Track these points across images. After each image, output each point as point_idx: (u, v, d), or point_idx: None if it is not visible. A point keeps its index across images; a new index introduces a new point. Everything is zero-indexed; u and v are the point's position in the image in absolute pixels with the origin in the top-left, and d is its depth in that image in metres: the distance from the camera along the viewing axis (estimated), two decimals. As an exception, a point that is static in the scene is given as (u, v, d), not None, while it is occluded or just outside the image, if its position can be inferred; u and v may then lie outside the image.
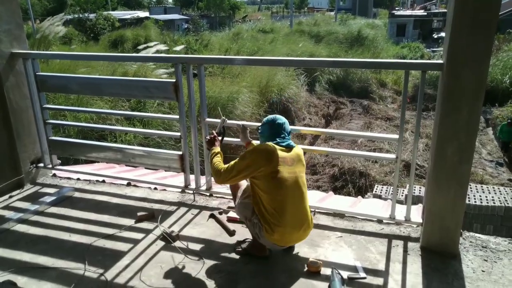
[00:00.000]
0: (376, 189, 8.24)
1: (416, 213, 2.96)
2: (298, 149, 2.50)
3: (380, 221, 3.01)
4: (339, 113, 17.27)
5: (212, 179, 3.49)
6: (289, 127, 2.51)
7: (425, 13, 40.45)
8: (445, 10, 41.68)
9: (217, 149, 2.63)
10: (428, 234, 2.65)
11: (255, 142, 2.85)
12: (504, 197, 6.11)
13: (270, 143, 2.39)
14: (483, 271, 2.46)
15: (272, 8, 63.24)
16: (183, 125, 3.22)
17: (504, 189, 6.67)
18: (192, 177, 3.45)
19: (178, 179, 3.66)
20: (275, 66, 13.11)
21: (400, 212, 2.93)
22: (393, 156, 2.79)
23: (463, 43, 2.22)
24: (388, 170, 11.56)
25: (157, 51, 11.77)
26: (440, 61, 2.43)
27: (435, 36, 35.42)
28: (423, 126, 15.72)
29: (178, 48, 14.26)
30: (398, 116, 16.70)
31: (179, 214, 3.17)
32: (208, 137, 2.75)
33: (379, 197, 7.47)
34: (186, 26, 36.25)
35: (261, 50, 18.16)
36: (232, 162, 2.38)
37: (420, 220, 2.80)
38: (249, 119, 11.33)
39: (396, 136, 2.72)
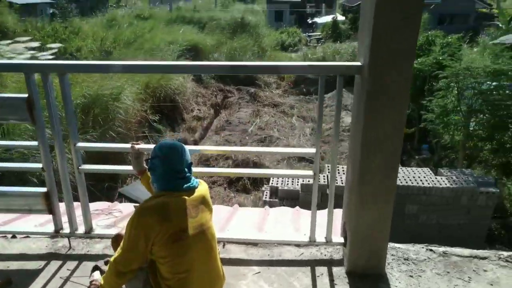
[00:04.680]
0: (272, 180, 8.14)
1: (334, 231, 2.68)
2: (202, 187, 1.93)
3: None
4: (228, 102, 17.08)
5: (93, 217, 2.79)
6: (189, 157, 1.89)
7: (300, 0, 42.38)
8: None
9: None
10: (354, 257, 2.39)
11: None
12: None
13: (157, 199, 1.78)
14: (412, 291, 2.29)
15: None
16: (46, 153, 2.43)
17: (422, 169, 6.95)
18: (66, 217, 2.68)
19: (47, 221, 2.85)
20: (165, 72, 11.41)
21: (320, 232, 2.63)
22: (310, 172, 2.45)
23: (387, 44, 1.94)
24: (280, 158, 11.73)
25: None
26: (358, 63, 2.12)
27: (310, 21, 37.43)
28: (307, 110, 16.36)
29: (54, 45, 12.11)
30: (283, 102, 17.12)
31: (50, 272, 2.41)
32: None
33: (276, 189, 7.39)
34: (51, 11, 32.08)
35: (140, 39, 16.82)
36: (119, 248, 1.77)
37: (341, 240, 2.54)
38: (135, 118, 10.34)
39: (313, 150, 2.38)
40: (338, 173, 6.83)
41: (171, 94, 13.57)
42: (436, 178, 6.45)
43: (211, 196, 2.02)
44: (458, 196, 6.24)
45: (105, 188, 8.35)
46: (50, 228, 2.66)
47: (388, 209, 2.26)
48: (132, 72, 8.47)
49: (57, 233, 2.64)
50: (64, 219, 2.64)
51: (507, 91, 8.15)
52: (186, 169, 1.84)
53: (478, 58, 9.37)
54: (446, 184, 6.27)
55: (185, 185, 1.82)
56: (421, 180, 6.34)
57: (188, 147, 1.95)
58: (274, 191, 7.46)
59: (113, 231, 2.73)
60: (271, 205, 6.97)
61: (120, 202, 7.92)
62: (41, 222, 2.91)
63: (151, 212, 1.74)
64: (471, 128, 8.28)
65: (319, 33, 30.78)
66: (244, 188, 10.08)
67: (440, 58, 9.89)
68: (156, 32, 18.64)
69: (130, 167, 2.35)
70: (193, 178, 1.88)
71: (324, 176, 6.78)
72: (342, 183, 6.39)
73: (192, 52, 17.32)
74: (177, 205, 1.77)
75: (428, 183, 6.27)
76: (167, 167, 1.81)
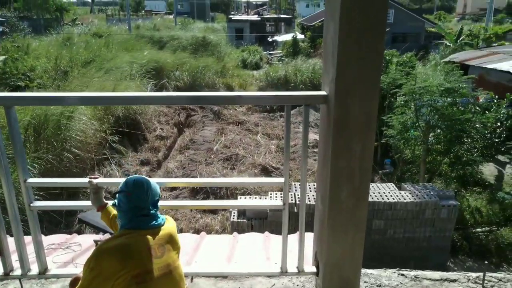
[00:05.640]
0: (240, 199, 8.02)
1: (306, 259, 2.61)
2: (169, 224, 1.81)
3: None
4: (191, 120, 16.89)
5: (49, 252, 2.58)
6: (157, 192, 1.78)
7: (259, 18, 43.13)
8: (275, 16, 45.19)
9: None
10: (327, 287, 2.31)
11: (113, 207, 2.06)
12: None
13: (119, 239, 1.66)
14: (389, 320, 2.23)
15: (106, 10, 58.76)
16: (-7, 189, 2.22)
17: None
18: (16, 257, 2.45)
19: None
20: (127, 104, 11.21)
21: (292, 259, 2.54)
22: (280, 203, 2.37)
23: (352, 74, 1.92)
24: (245, 173, 11.64)
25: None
26: (323, 93, 2.09)
27: (270, 40, 38.06)
28: (271, 127, 16.44)
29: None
30: (248, 119, 17.11)
31: (-1, 321, 2.19)
32: None
33: (244, 210, 7.26)
34: (1, 30, 30.75)
35: (99, 58, 16.36)
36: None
37: (313, 269, 2.46)
38: (94, 138, 9.93)
39: (282, 180, 2.30)
40: (309, 189, 6.84)
41: (132, 113, 13.24)
42: (400, 193, 6.57)
43: (177, 218, 1.90)
44: (422, 209, 6.38)
45: (63, 214, 7.91)
46: (-1, 270, 2.41)
47: (359, 237, 2.21)
48: (91, 105, 8.40)
49: (7, 275, 2.40)
50: (15, 257, 2.41)
51: (460, 107, 8.53)
52: (151, 206, 1.73)
53: (431, 75, 9.80)
54: (410, 198, 6.39)
55: (150, 223, 1.70)
56: (386, 196, 6.43)
57: (153, 180, 1.83)
58: (242, 211, 7.34)
59: (70, 269, 2.54)
60: (239, 225, 6.86)
61: (80, 229, 7.53)
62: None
63: (112, 253, 1.61)
64: (429, 143, 8.56)
65: (280, 51, 31.29)
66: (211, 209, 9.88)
67: (398, 77, 10.22)
68: (115, 51, 18.24)
69: (88, 203, 2.18)
70: (159, 215, 1.76)
71: (291, 194, 6.75)
72: (309, 201, 6.38)
73: (153, 72, 17.06)
74: (140, 244, 1.64)
75: (393, 198, 6.37)
76: (131, 204, 1.70)
